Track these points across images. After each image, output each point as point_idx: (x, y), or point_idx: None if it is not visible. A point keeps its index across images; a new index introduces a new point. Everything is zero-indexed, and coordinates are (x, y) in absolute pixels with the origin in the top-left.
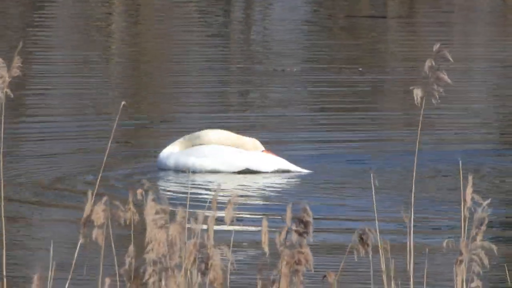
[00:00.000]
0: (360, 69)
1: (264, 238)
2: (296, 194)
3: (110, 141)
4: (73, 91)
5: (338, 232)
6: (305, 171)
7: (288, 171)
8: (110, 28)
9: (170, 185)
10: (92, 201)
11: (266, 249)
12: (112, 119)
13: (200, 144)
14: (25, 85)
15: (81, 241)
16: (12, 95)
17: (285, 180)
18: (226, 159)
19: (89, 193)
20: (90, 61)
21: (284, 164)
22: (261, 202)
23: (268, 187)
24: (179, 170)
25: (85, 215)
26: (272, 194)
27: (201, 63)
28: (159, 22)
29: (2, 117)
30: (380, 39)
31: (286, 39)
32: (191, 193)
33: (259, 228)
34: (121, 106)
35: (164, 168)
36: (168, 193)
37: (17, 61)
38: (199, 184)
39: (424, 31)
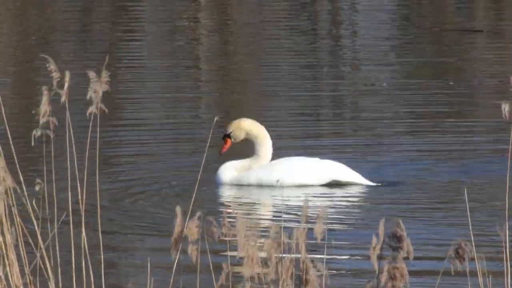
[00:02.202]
0: (451, 83)
1: (373, 255)
2: (380, 208)
3: (204, 157)
4: (165, 101)
5: (429, 250)
6: (371, 183)
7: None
8: (196, 32)
9: (251, 200)
10: (187, 216)
11: (376, 264)
12: (204, 131)
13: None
14: (117, 93)
15: (174, 258)
16: (107, 111)
17: (365, 194)
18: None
19: (178, 209)
20: (180, 67)
21: (357, 177)
22: (343, 216)
23: (342, 200)
24: (263, 185)
25: (175, 231)
26: (349, 208)
27: (291, 80)
28: (247, 26)
29: (98, 130)
30: (467, 52)
31: (373, 54)
32: (274, 208)
33: (345, 243)
34: (214, 121)
35: (235, 184)
36: (253, 208)
37: (105, 76)
38: (277, 199)
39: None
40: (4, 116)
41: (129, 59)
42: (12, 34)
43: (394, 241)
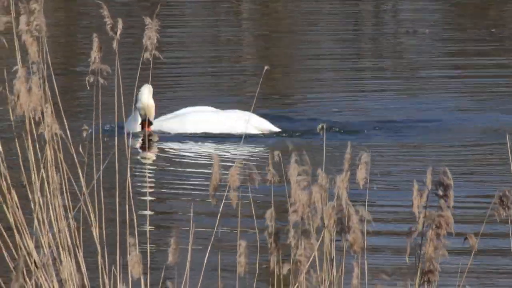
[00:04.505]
0: (493, 30)
1: (415, 202)
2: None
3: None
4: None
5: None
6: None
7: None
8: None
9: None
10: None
11: (417, 212)
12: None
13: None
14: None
15: (214, 204)
16: (161, 57)
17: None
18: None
19: (215, 156)
20: (222, 26)
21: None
22: None
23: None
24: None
25: (213, 180)
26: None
27: (331, 35)
28: None
29: (150, 78)
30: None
31: (414, 2)
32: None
33: (387, 189)
34: (264, 71)
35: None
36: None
37: (155, 24)
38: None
39: None
40: (50, 61)
41: (173, 7)
42: None
43: (440, 189)
